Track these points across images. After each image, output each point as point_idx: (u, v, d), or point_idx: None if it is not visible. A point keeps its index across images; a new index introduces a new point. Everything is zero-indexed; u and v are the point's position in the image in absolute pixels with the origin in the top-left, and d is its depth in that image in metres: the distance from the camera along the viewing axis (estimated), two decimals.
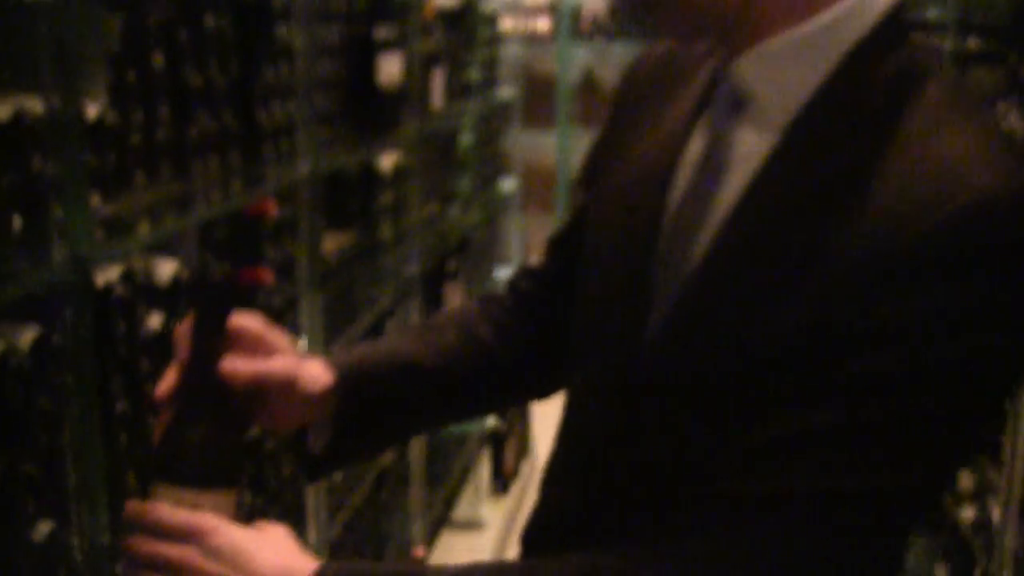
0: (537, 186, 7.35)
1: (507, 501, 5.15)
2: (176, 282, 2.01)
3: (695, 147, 1.23)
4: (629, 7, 1.19)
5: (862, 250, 1.02)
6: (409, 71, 3.63)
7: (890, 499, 1.04)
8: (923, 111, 1.07)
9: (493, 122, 5.47)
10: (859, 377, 1.02)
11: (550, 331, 1.49)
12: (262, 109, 2.45)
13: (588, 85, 7.47)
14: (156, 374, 1.68)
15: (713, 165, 1.18)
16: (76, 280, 1.64)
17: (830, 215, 1.05)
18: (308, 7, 2.71)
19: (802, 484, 1.04)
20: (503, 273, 5.68)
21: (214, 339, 1.22)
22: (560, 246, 1.52)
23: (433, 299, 4.27)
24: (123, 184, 1.84)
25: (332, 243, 3.08)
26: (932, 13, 4.67)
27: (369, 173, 3.47)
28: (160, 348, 1.88)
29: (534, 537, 1.41)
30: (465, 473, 5.11)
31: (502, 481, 5.22)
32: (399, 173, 3.70)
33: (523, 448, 5.54)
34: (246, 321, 1.30)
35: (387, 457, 3.83)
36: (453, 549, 4.58)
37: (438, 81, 4.03)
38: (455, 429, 5.08)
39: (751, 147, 1.15)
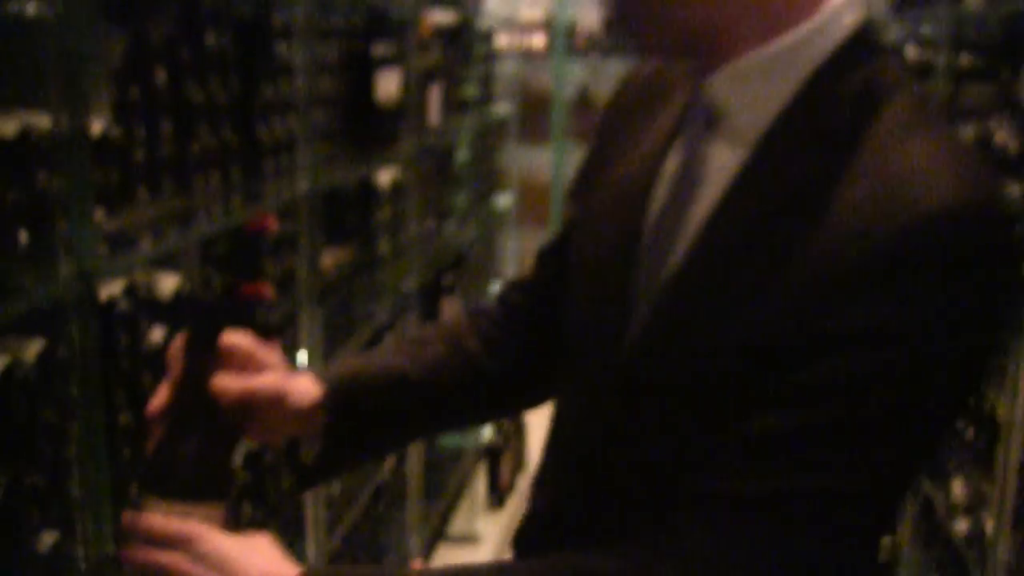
0: (533, 201, 7.37)
1: (503, 515, 5.17)
2: (178, 296, 2.03)
3: (673, 162, 1.27)
4: (613, 26, 1.23)
5: (825, 258, 1.06)
6: (407, 87, 3.65)
7: (856, 495, 1.08)
8: (886, 125, 1.11)
9: (489, 138, 5.50)
10: (819, 379, 1.06)
11: (538, 341, 1.52)
12: (262, 125, 2.47)
13: (583, 101, 7.50)
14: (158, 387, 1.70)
15: (688, 179, 1.23)
16: (81, 294, 1.66)
17: (797, 226, 1.09)
18: (308, 24, 2.74)
19: (770, 484, 1.08)
20: (499, 288, 5.70)
21: (205, 358, 1.26)
22: (549, 258, 1.55)
23: (430, 313, 4.29)
24: (126, 199, 1.87)
25: (331, 258, 3.10)
26: (926, 29, 4.71)
27: (367, 189, 3.49)
28: (162, 362, 1.90)
29: (525, 541, 1.44)
30: (461, 487, 5.12)
31: (498, 495, 5.23)
32: (397, 189, 3.72)
33: (519, 463, 5.55)
34: (237, 339, 1.33)
35: (385, 471, 3.85)
36: (450, 563, 4.58)
37: (435, 97, 4.05)
38: (452, 444, 5.10)
39: (723, 162, 1.19)
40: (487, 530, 4.99)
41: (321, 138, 2.88)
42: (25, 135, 1.57)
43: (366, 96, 3.22)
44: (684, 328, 1.17)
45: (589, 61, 7.45)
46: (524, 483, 5.52)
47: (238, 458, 2.47)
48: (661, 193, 1.26)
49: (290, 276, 2.79)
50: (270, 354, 1.36)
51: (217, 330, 1.27)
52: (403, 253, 3.88)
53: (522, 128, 7.27)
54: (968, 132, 3.63)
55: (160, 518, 1.19)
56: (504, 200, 6.04)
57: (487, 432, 5.31)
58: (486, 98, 5.32)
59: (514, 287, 1.60)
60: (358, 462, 1.54)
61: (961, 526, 3.47)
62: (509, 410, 1.65)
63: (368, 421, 1.44)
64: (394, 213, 3.71)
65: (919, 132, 1.10)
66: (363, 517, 3.58)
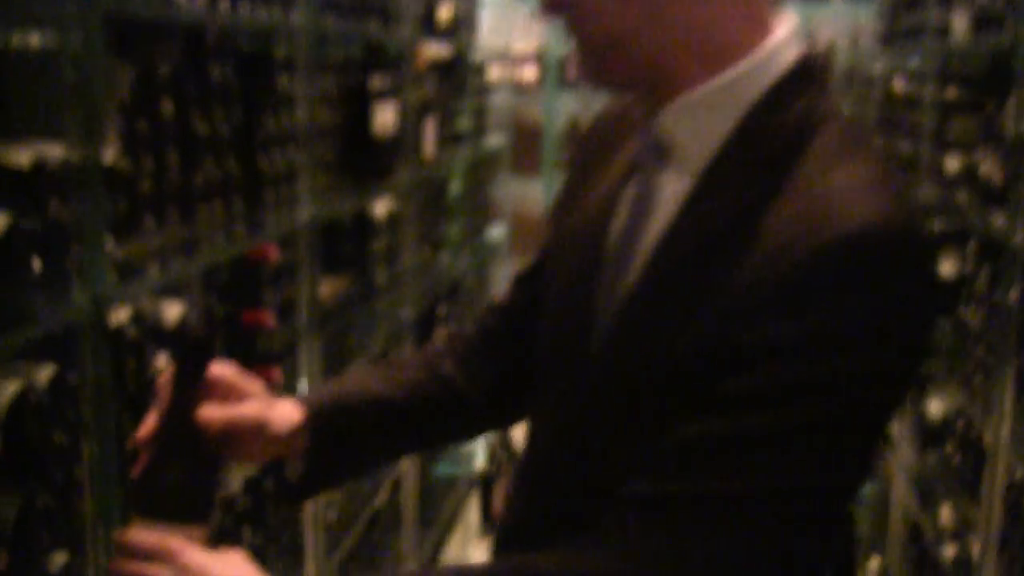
0: (525, 231, 7.39)
1: None
2: (182, 324, 2.07)
3: (631, 191, 1.35)
4: (576, 63, 1.31)
5: (754, 275, 1.14)
6: (403, 120, 3.70)
7: (778, 498, 1.14)
8: (816, 152, 1.19)
9: (482, 169, 5.55)
10: (744, 389, 1.13)
11: (513, 362, 1.59)
12: (264, 157, 2.52)
13: (574, 133, 7.54)
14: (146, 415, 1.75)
15: (642, 207, 1.31)
16: (93, 320, 1.71)
17: (734, 247, 1.17)
18: (308, 57, 2.79)
19: (698, 485, 1.15)
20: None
21: (191, 390, 1.33)
22: (525, 283, 1.62)
23: (425, 343, 4.31)
24: (133, 228, 1.91)
25: (328, 288, 3.14)
26: (914, 62, 4.77)
27: (364, 219, 3.54)
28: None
29: (504, 547, 1.50)
30: (455, 515, 5.15)
31: (491, 523, 5.25)
32: (393, 220, 3.77)
33: None
34: (221, 370, 1.40)
35: (380, 499, 3.89)
36: None
37: (430, 129, 4.10)
38: (445, 473, 5.13)
39: (672, 190, 1.27)
40: (480, 557, 5.00)
41: (322, 169, 2.93)
42: (40, 165, 1.62)
43: (363, 128, 3.27)
44: (636, 343, 1.25)
45: (580, 93, 7.49)
46: None
47: (236, 484, 2.51)
48: (620, 219, 1.34)
49: (290, 304, 2.83)
50: (252, 384, 1.43)
51: (203, 364, 1.34)
52: (399, 283, 3.92)
53: (514, 159, 7.31)
54: (954, 163, 3.69)
55: (146, 533, 1.26)
56: (497, 231, 6.09)
57: (480, 461, 5.35)
58: (479, 130, 5.37)
59: (491, 311, 1.67)
60: (341, 480, 1.61)
61: (949, 551, 3.51)
62: (487, 427, 1.71)
63: (347, 442, 1.52)
64: (390, 244, 3.76)
65: (845, 158, 1.18)
66: (360, 543, 3.61)
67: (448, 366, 1.59)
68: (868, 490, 5.40)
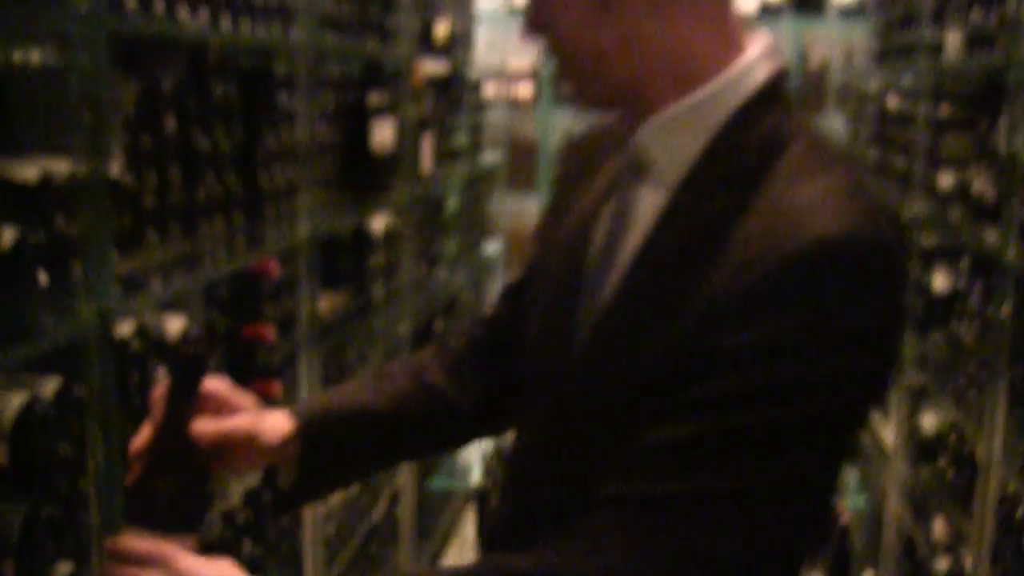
0: (521, 247, 7.41)
1: None
2: (183, 338, 2.10)
3: (611, 206, 1.39)
4: (557, 82, 1.35)
5: (723, 285, 1.17)
6: (400, 136, 3.73)
7: (746, 499, 1.17)
8: (785, 167, 1.22)
9: (478, 186, 5.57)
10: (712, 393, 1.16)
11: (500, 371, 1.62)
12: (264, 173, 2.55)
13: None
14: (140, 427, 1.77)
15: (621, 221, 1.35)
16: (99, 334, 1.73)
17: (705, 258, 1.21)
18: (308, 74, 2.82)
19: (668, 486, 1.18)
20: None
21: (184, 405, 1.36)
22: (513, 295, 1.66)
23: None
24: (137, 243, 1.94)
25: (327, 302, 3.17)
26: (907, 80, 4.81)
27: (362, 235, 3.56)
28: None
29: (491, 547, 1.53)
30: (452, 529, 5.16)
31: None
32: (390, 235, 3.79)
33: None
34: (215, 385, 1.44)
35: (378, 512, 3.90)
36: None
37: (427, 146, 4.12)
38: (442, 487, 5.14)
39: (649, 205, 1.31)
40: None
41: (319, 185, 2.95)
42: (46, 180, 1.64)
43: (362, 144, 3.30)
44: (612, 352, 1.29)
45: (575, 111, 7.50)
46: None
47: (235, 496, 2.53)
48: (601, 233, 1.38)
49: (290, 319, 2.85)
50: (244, 398, 1.47)
51: (197, 380, 1.37)
52: (396, 298, 3.94)
53: (510, 176, 7.35)
54: (947, 180, 3.72)
55: (139, 539, 1.28)
56: (493, 246, 6.11)
57: (476, 475, 5.36)
58: (476, 146, 5.39)
59: (479, 322, 1.71)
60: (333, 487, 1.66)
61: (942, 564, 3.53)
62: (474, 436, 1.74)
63: (337, 451, 1.55)
64: (387, 259, 3.78)
65: (812, 173, 1.21)
66: (357, 556, 3.63)
67: (437, 376, 1.63)
68: (861, 504, 5.42)
